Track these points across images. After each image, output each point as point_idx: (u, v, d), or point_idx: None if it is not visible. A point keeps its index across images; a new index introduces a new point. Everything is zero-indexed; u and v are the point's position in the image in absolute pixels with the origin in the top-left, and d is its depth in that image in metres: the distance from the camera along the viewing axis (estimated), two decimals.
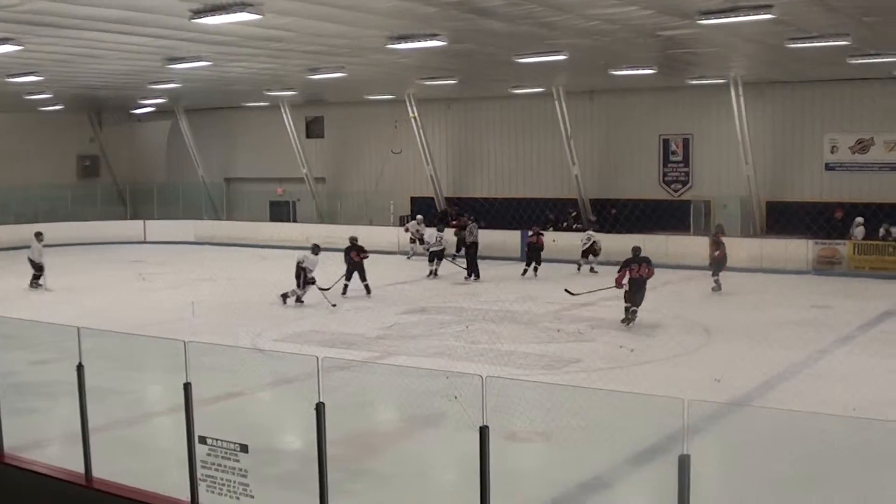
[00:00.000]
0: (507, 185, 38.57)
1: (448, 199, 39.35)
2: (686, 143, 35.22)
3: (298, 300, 23.63)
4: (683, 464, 7.11)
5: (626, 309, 20.75)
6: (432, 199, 39.35)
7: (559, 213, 36.17)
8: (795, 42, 22.34)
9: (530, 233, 31.13)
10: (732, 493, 10.46)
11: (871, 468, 9.92)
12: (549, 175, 37.35)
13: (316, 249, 24.15)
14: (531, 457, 11.94)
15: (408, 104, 38.06)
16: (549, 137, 36.42)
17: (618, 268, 21.37)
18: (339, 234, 27.98)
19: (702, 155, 34.94)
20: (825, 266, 29.89)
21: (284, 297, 23.60)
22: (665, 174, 35.76)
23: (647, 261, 21.29)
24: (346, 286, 25.11)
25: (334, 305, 23.03)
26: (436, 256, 30.38)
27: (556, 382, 13.62)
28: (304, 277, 23.43)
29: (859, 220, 30.45)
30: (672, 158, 35.56)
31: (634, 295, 20.79)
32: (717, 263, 26.50)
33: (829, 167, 32.93)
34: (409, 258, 34.92)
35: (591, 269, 30.74)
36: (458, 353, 17.73)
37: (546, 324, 20.96)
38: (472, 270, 29.07)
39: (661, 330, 20.32)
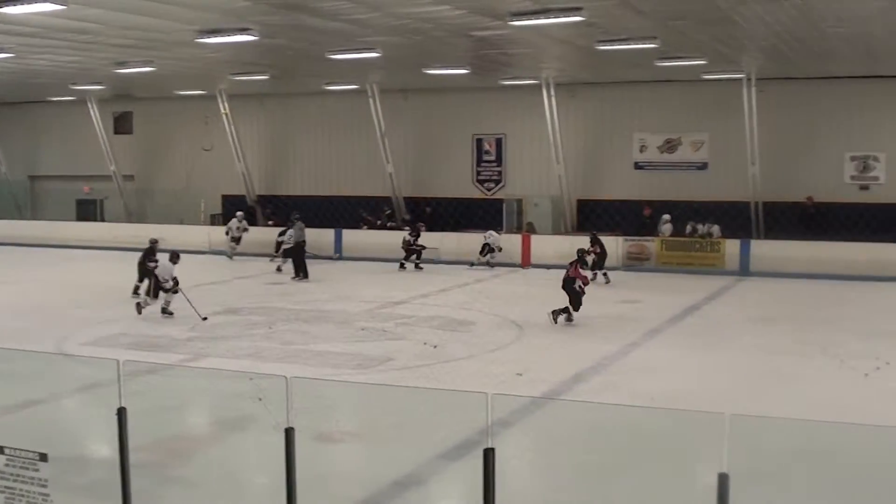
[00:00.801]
0: (322, 183, 38.34)
1: (260, 197, 38.85)
2: (499, 143, 35.69)
3: (139, 308, 21.57)
4: (488, 457, 7.11)
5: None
6: (244, 197, 38.83)
7: (374, 212, 36.13)
8: (605, 44, 22.89)
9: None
10: (542, 483, 10.58)
11: (672, 455, 10.16)
12: (364, 173, 37.29)
13: (174, 257, 22.00)
14: (344, 457, 11.80)
15: (219, 100, 37.48)
16: (363, 135, 36.36)
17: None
18: (147, 233, 27.09)
19: (514, 154, 35.47)
20: (634, 262, 30.66)
21: (138, 306, 21.68)
22: (478, 173, 36.19)
23: (576, 261, 21.35)
24: (137, 287, 23.90)
25: (205, 318, 20.99)
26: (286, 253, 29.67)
27: (366, 382, 13.55)
28: (155, 285, 21.89)
29: (666, 217, 31.49)
30: (485, 158, 35.99)
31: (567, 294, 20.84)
32: (600, 260, 27.25)
33: (637, 166, 33.90)
34: (230, 258, 33.75)
35: (488, 264, 30.80)
36: (270, 355, 17.41)
37: (360, 323, 20.84)
38: (299, 270, 28.50)
39: (473, 326, 20.44)
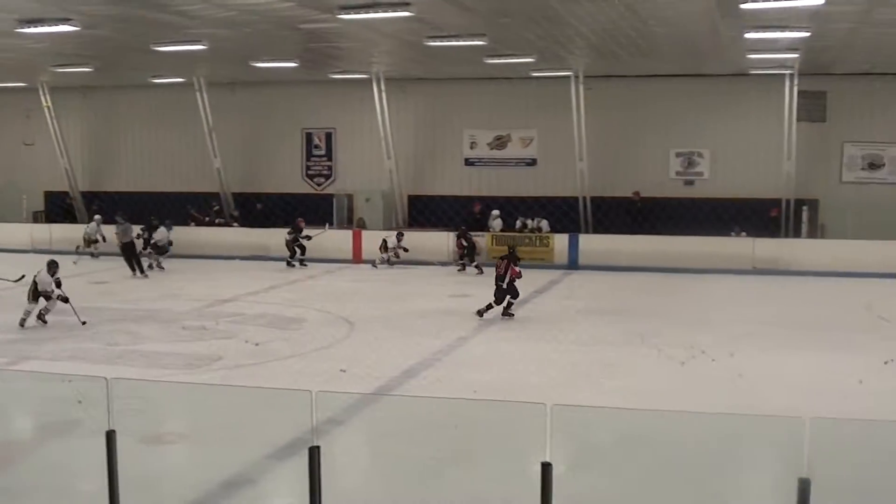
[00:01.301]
0: (149, 179, 37.49)
1: (83, 194, 37.77)
2: (329, 137, 35.59)
3: (40, 317, 20.22)
4: (313, 455, 7.11)
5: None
6: (68, 193, 37.72)
7: (202, 208, 35.51)
8: (434, 40, 23.04)
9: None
10: (372, 479, 10.61)
11: (499, 446, 10.30)
12: (191, 168, 36.63)
13: (51, 268, 20.37)
14: (172, 459, 11.57)
15: (41, 93, 36.28)
16: (190, 129, 35.68)
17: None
18: None
19: (345, 149, 35.44)
20: None
21: (22, 322, 20.01)
22: (308, 168, 36.01)
23: (508, 258, 21.48)
24: None
25: (84, 322, 19.76)
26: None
27: (192, 381, 13.30)
28: (36, 294, 20.14)
29: (496, 212, 32.01)
30: (315, 152, 35.86)
31: (496, 292, 21.02)
32: (470, 253, 28.65)
33: (468, 162, 34.27)
34: (76, 258, 31.19)
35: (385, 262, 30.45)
36: (96, 356, 16.88)
37: (188, 322, 20.46)
38: (134, 268, 27.88)
39: (304, 323, 20.29)
